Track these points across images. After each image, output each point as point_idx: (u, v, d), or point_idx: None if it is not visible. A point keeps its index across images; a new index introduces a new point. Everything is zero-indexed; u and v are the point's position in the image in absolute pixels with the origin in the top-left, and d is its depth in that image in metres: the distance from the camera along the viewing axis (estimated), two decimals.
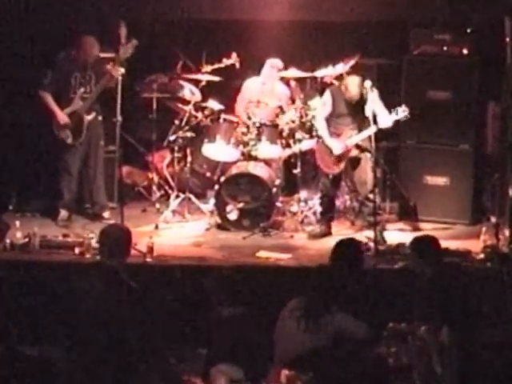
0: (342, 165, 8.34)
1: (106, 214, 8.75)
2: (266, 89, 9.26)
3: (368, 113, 8.06)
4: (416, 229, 8.67)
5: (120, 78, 8.37)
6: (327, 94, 8.47)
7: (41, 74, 8.58)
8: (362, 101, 8.19)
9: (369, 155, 8.18)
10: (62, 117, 8.52)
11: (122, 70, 8.37)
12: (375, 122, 7.98)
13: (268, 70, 9.26)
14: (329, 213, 8.60)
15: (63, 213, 8.68)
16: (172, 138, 9.16)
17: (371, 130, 8.02)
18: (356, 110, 8.24)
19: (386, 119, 8.12)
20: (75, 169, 8.68)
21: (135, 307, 5.45)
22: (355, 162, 8.35)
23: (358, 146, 8.27)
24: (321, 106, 8.53)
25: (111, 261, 5.62)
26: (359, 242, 6.94)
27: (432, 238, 6.56)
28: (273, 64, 9.24)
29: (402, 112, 8.11)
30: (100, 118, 8.72)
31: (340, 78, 8.86)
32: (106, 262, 5.64)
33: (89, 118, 8.59)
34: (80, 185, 8.83)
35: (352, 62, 8.92)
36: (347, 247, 6.51)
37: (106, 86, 8.56)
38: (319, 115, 8.49)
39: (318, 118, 8.52)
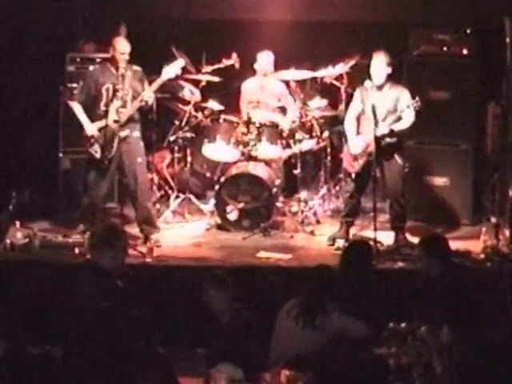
0: (361, 161, 8.04)
1: (154, 236, 8.08)
2: (265, 85, 9.17)
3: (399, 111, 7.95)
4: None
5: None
6: (356, 92, 8.22)
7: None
8: (389, 90, 8.02)
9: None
10: (91, 129, 7.96)
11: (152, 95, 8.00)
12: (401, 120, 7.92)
13: (262, 59, 9.08)
14: (351, 216, 8.32)
15: (80, 226, 8.20)
16: (172, 138, 9.16)
17: (399, 125, 7.92)
18: (383, 103, 7.94)
19: (408, 119, 7.97)
20: (97, 186, 8.05)
21: (123, 305, 5.44)
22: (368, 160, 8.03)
23: (377, 141, 7.82)
24: (350, 106, 8.29)
25: (96, 257, 5.59)
26: (370, 244, 6.95)
27: (441, 237, 6.58)
28: (267, 53, 9.09)
29: (415, 103, 7.88)
30: (135, 134, 8.04)
31: (340, 77, 8.85)
32: (94, 260, 5.63)
33: (122, 134, 7.95)
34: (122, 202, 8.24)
35: (352, 62, 8.93)
36: (359, 249, 6.55)
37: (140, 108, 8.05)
38: (348, 115, 8.25)
39: (346, 117, 8.28)
